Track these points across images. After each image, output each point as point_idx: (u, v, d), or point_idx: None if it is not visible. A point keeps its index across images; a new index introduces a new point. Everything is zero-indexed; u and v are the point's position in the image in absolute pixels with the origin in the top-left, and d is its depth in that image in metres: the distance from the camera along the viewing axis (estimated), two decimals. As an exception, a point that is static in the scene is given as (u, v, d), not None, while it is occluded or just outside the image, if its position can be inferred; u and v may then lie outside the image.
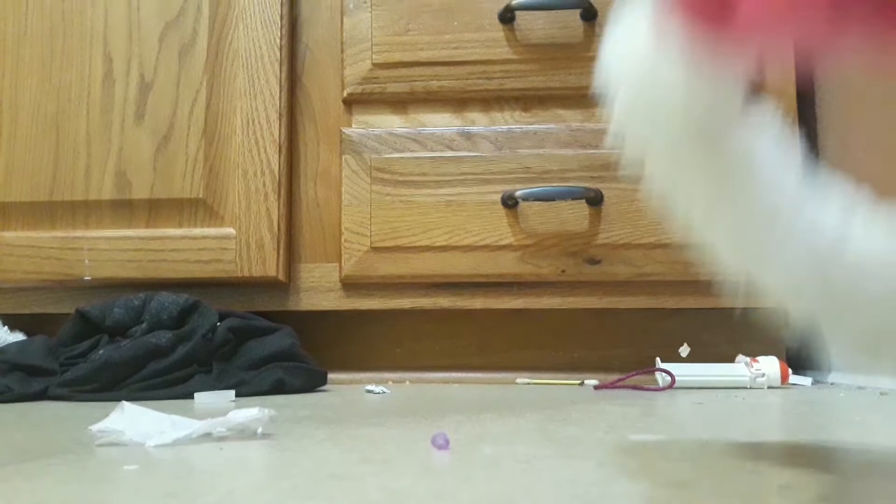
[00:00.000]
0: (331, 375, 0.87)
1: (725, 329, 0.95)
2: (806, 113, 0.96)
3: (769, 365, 0.81)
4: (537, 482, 0.27)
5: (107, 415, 0.42)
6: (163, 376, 0.75)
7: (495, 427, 0.45)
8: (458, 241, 0.93)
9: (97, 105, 0.97)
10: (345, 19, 0.98)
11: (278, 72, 0.96)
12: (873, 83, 0.84)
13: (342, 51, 0.98)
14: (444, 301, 0.94)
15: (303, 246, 0.98)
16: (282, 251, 0.94)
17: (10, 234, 0.96)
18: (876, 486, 0.26)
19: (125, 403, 0.42)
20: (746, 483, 0.27)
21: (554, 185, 0.91)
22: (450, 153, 0.95)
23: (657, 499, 0.24)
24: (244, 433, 0.41)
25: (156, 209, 0.95)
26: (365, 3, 0.98)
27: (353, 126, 0.98)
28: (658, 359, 0.86)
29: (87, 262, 0.94)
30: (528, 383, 0.93)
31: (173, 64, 0.97)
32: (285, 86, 0.97)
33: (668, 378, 0.80)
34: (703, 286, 0.91)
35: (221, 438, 0.40)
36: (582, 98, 0.94)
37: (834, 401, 0.66)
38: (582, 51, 0.93)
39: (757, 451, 0.34)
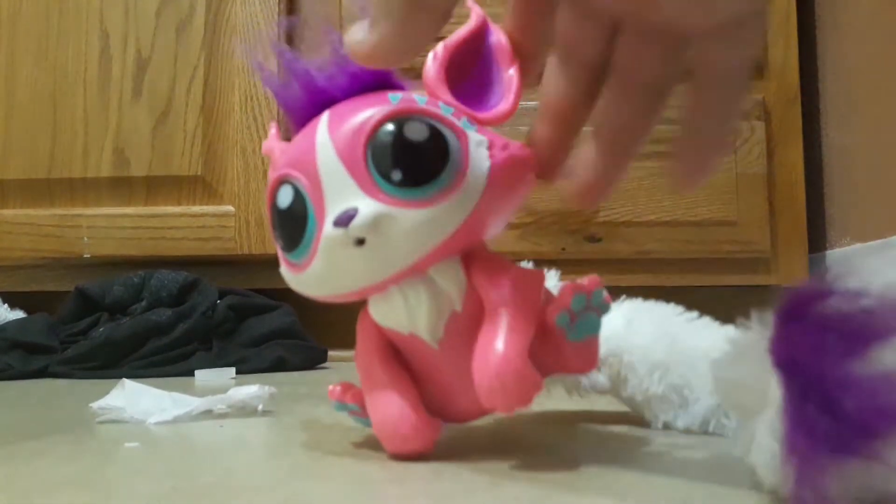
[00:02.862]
0: (331, 353, 0.87)
1: (726, 306, 0.95)
2: (808, 94, 0.96)
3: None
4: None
5: (107, 392, 0.42)
6: (163, 354, 0.76)
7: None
8: (458, 219, 0.92)
9: (94, 82, 0.96)
10: (343, -6, 0.97)
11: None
12: (876, 64, 0.83)
13: (341, 27, 0.97)
14: (444, 279, 0.93)
15: (302, 224, 0.98)
16: (281, 229, 0.94)
17: (8, 212, 0.95)
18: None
19: (125, 381, 0.42)
20: None
21: (554, 162, 0.91)
22: (449, 130, 0.94)
23: None
24: (244, 410, 0.41)
25: (154, 187, 0.95)
26: (364, -23, 0.97)
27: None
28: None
29: (86, 239, 0.94)
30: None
31: (170, 40, 0.96)
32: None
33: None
34: (703, 264, 0.91)
35: (222, 416, 0.40)
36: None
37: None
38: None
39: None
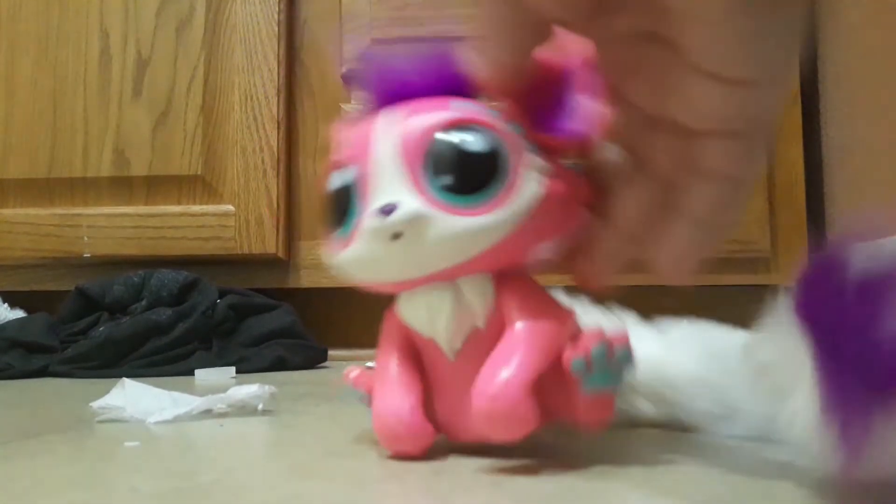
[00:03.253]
0: (331, 352, 0.87)
1: (726, 306, 0.95)
2: (808, 93, 0.96)
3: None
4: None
5: (107, 391, 0.42)
6: (163, 353, 0.76)
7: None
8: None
9: (94, 82, 0.96)
10: (343, -6, 0.97)
11: (276, 47, 0.95)
12: (877, 64, 0.83)
13: (341, 26, 0.97)
14: (444, 278, 0.93)
15: (302, 223, 0.98)
16: (281, 228, 0.94)
17: (8, 212, 0.95)
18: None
19: (126, 380, 0.42)
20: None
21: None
22: (449, 130, 0.94)
23: None
24: (244, 410, 0.41)
25: (154, 186, 0.95)
26: (364, -23, 0.97)
27: (353, 102, 0.97)
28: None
29: (86, 239, 0.94)
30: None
31: (170, 40, 0.96)
32: (284, 61, 0.96)
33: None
34: (702, 263, 0.91)
35: (222, 415, 0.40)
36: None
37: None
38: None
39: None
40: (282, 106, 0.95)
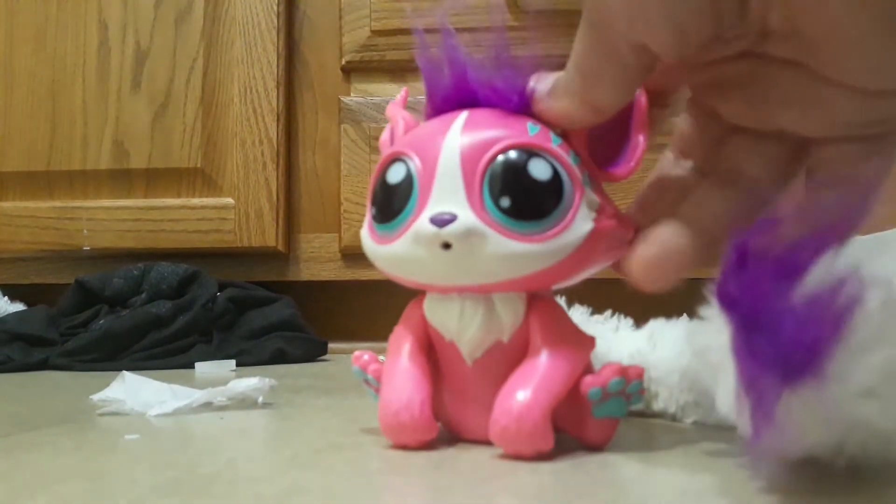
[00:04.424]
0: (331, 345, 0.87)
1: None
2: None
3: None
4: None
5: (108, 384, 0.42)
6: (163, 346, 0.76)
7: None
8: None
9: (93, 74, 0.96)
10: (343, -14, 0.97)
11: (276, 39, 0.95)
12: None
13: (340, 18, 0.97)
14: (444, 271, 0.93)
15: (302, 216, 0.98)
16: (281, 221, 0.94)
17: (7, 205, 0.95)
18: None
19: (126, 373, 0.42)
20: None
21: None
22: (449, 122, 0.94)
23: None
24: (245, 402, 0.41)
25: (154, 179, 0.95)
26: (363, -32, 0.96)
27: (352, 94, 0.97)
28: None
29: (85, 231, 0.94)
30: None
31: (169, 31, 0.95)
32: (283, 54, 0.96)
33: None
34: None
35: (222, 408, 0.40)
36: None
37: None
38: (583, 18, 0.92)
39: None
40: (281, 98, 0.95)
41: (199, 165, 0.94)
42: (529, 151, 0.26)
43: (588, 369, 0.28)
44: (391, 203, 0.28)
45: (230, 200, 0.94)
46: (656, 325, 0.38)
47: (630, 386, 0.27)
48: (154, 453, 0.30)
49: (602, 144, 0.29)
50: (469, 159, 0.27)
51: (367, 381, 0.33)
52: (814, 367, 0.19)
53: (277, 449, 0.31)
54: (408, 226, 0.27)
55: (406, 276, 0.29)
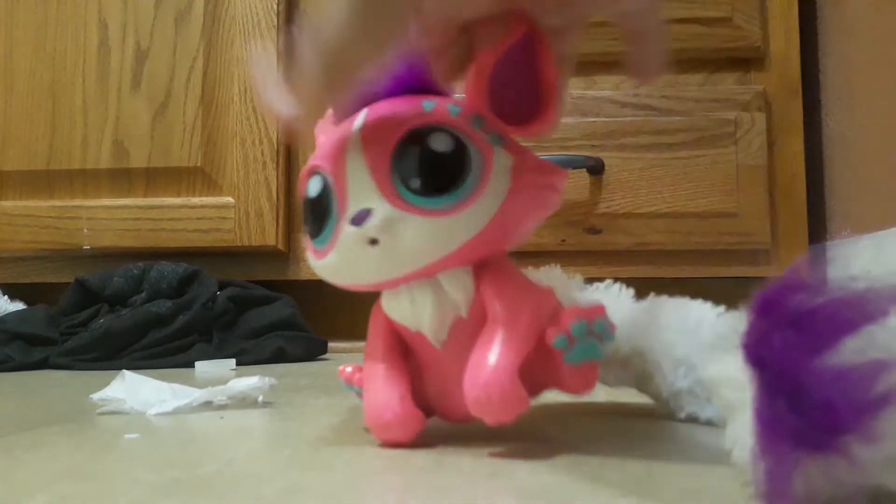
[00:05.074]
0: (331, 344, 0.87)
1: (726, 298, 0.95)
2: (810, 85, 0.95)
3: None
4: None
5: (108, 383, 0.42)
6: (163, 345, 0.76)
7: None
8: (458, 211, 0.92)
9: (93, 73, 0.96)
10: (343, -15, 0.97)
11: (276, 38, 0.95)
12: (878, 55, 0.83)
13: (340, 17, 0.97)
14: (444, 270, 0.93)
15: (302, 215, 0.98)
16: (281, 220, 0.94)
17: (7, 204, 0.95)
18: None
19: (126, 372, 0.42)
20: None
21: (554, 153, 0.91)
22: (449, 121, 0.94)
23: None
24: (245, 402, 0.41)
25: (154, 178, 0.95)
26: (363, -32, 0.96)
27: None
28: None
29: (85, 231, 0.94)
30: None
31: (169, 30, 0.95)
32: (283, 53, 0.96)
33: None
34: (703, 255, 0.91)
35: (222, 407, 0.40)
36: (583, 66, 0.93)
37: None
38: (583, 17, 0.92)
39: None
40: (281, 97, 0.95)
41: (199, 165, 0.94)
42: (427, 129, 0.27)
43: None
44: (317, 216, 0.29)
45: (230, 199, 0.94)
46: (658, 303, 0.37)
47: (594, 325, 0.27)
48: (154, 452, 0.30)
49: (514, 92, 0.28)
50: (372, 153, 0.27)
51: (357, 393, 0.34)
52: (834, 444, 0.19)
53: (277, 448, 0.31)
54: (336, 233, 0.28)
55: (350, 282, 0.29)
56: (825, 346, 0.20)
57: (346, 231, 0.27)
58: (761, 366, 0.21)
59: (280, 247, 0.94)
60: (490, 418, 0.26)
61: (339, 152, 0.28)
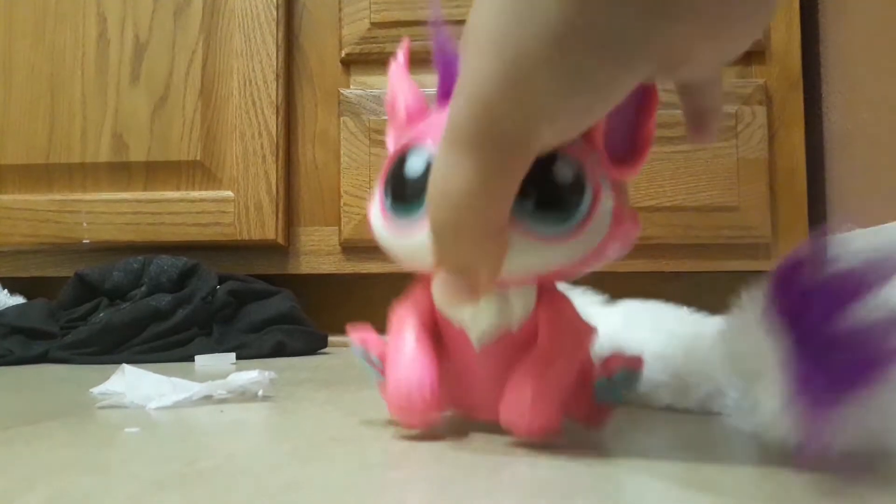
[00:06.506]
0: (331, 338, 0.87)
1: (726, 292, 0.95)
2: (810, 78, 0.95)
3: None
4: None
5: (107, 377, 0.42)
6: (163, 339, 0.76)
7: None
8: (458, 204, 0.92)
9: (92, 66, 0.95)
10: (342, -22, 0.96)
11: (275, 32, 0.95)
12: (878, 49, 0.83)
13: (340, 10, 0.97)
14: (444, 264, 0.93)
15: (302, 209, 0.98)
16: (280, 214, 0.94)
17: (6, 197, 0.95)
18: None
19: (126, 366, 0.42)
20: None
21: (554, 147, 0.90)
22: (449, 115, 0.94)
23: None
24: (245, 396, 0.41)
25: (153, 172, 0.95)
26: (363, -40, 0.96)
27: (352, 87, 0.97)
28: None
29: (85, 224, 0.93)
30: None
31: (168, 24, 0.95)
32: (282, 46, 0.95)
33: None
34: (704, 249, 0.91)
35: (222, 401, 0.40)
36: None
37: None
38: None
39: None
40: (281, 91, 0.95)
41: (198, 158, 0.94)
42: (555, 155, 0.26)
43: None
44: (412, 191, 0.27)
45: (230, 193, 0.94)
46: (631, 306, 0.39)
47: (635, 376, 0.28)
48: (154, 446, 0.29)
49: (618, 136, 0.28)
50: None
51: (369, 361, 0.33)
52: (861, 393, 0.21)
53: (277, 442, 0.31)
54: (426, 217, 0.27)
55: (426, 265, 0.28)
56: (843, 306, 0.22)
57: None
58: (788, 328, 0.23)
59: (280, 241, 0.94)
60: (521, 433, 0.27)
61: None
